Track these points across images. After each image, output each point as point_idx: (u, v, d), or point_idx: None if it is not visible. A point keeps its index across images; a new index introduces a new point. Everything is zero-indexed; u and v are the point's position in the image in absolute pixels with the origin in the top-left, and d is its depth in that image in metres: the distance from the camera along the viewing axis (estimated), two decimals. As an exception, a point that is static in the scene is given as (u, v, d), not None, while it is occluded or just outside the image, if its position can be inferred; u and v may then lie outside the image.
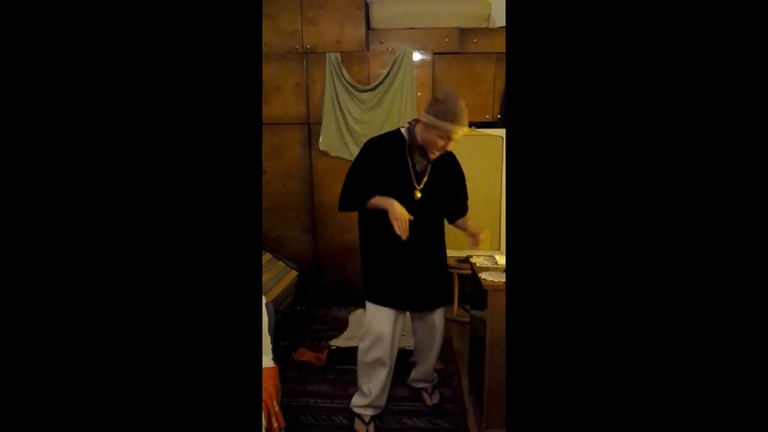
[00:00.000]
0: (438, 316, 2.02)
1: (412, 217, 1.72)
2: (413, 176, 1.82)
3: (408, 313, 2.02)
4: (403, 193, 1.79)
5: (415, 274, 1.88)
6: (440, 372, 2.43)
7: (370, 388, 1.97)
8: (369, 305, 1.93)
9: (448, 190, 1.91)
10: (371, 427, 2.00)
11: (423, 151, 1.79)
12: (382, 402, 2.02)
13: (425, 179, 1.84)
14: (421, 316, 2.02)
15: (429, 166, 1.85)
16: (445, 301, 2.04)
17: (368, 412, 2.01)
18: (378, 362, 1.93)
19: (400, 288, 1.88)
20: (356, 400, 2.03)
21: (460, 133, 1.70)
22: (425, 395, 2.22)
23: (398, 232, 1.70)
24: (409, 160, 1.82)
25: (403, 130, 1.87)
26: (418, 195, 1.82)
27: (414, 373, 2.24)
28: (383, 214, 1.73)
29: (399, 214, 1.69)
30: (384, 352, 1.91)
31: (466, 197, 2.01)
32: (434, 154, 1.78)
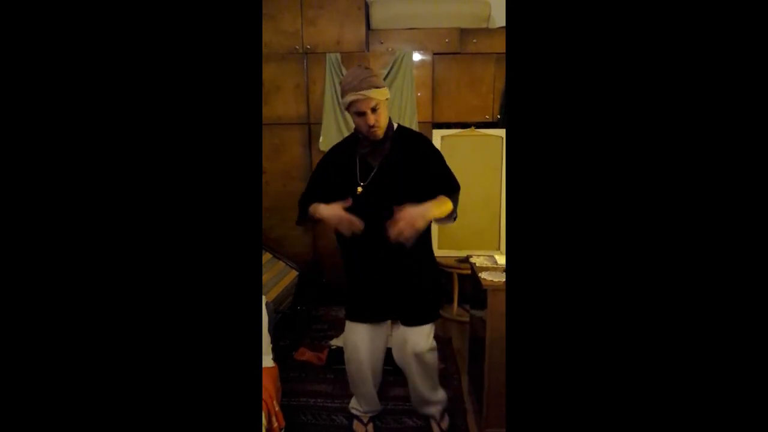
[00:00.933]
0: (412, 335, 1.72)
1: (360, 225, 1.54)
2: (358, 173, 1.69)
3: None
4: (347, 192, 1.66)
5: (381, 278, 1.72)
6: (440, 372, 2.42)
7: (362, 395, 1.97)
8: (346, 323, 1.86)
9: (408, 177, 1.67)
10: (370, 427, 2.00)
11: (369, 142, 1.66)
12: (376, 406, 2.02)
13: (373, 173, 1.67)
14: (396, 330, 1.79)
15: (384, 159, 1.68)
16: (424, 320, 1.74)
17: (366, 414, 2.03)
18: (358, 374, 1.88)
19: (367, 298, 1.76)
20: (353, 403, 2.05)
21: (367, 100, 1.53)
22: (433, 424, 1.98)
23: (346, 232, 1.55)
24: (357, 157, 1.70)
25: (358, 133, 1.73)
26: (359, 190, 1.66)
27: (415, 404, 1.99)
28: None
29: (339, 220, 1.55)
30: (359, 365, 1.83)
31: (445, 177, 1.70)
32: (374, 135, 1.61)
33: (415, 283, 1.73)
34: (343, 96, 1.59)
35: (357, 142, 1.72)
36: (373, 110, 1.56)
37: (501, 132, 3.09)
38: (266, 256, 3.02)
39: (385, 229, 1.47)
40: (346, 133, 3.12)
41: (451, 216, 1.66)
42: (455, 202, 1.66)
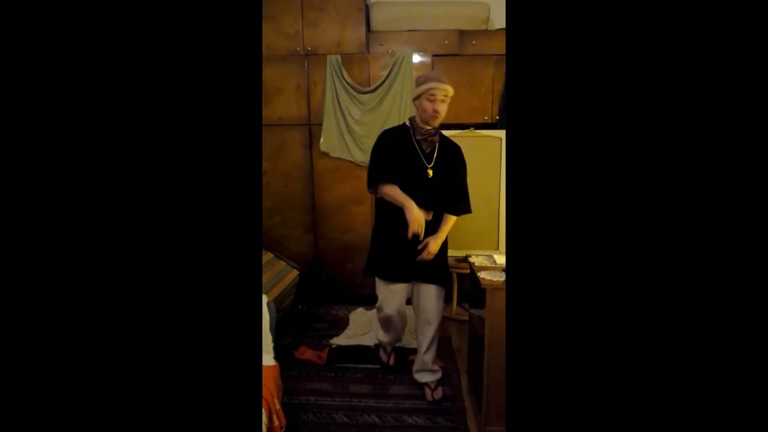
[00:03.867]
0: (430, 294, 2.11)
1: (429, 217, 2.00)
2: (423, 158, 2.02)
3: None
4: (417, 173, 2.01)
5: (409, 249, 2.03)
6: (439, 369, 2.46)
7: (387, 334, 2.36)
8: (377, 281, 2.18)
9: (452, 174, 2.07)
10: (392, 356, 2.44)
11: (425, 134, 2.01)
12: (398, 340, 2.45)
13: (434, 161, 2.03)
14: (419, 290, 2.15)
15: (436, 151, 2.05)
16: (440, 282, 2.12)
17: (389, 345, 2.43)
18: (386, 320, 2.25)
19: (402, 259, 2.06)
20: (379, 335, 2.42)
21: (442, 89, 1.91)
22: (427, 390, 2.25)
23: (415, 230, 1.93)
24: (416, 144, 2.03)
25: (407, 122, 2.10)
26: (430, 173, 2.01)
27: (415, 363, 2.30)
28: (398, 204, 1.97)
29: (416, 217, 1.93)
30: (389, 319, 2.23)
31: (464, 191, 2.13)
32: (435, 120, 1.97)
33: (438, 255, 2.09)
34: (421, 84, 1.94)
35: (409, 132, 2.05)
36: (443, 100, 1.93)
37: (500, 133, 3.10)
38: (267, 256, 3.04)
39: (437, 209, 2.05)
40: (346, 135, 3.14)
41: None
42: (464, 212, 2.12)
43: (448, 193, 2.07)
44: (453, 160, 2.08)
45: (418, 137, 2.02)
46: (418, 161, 2.02)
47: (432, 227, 2.05)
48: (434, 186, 2.02)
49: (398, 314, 2.20)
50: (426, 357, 2.21)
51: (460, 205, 2.10)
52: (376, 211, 2.17)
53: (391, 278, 2.11)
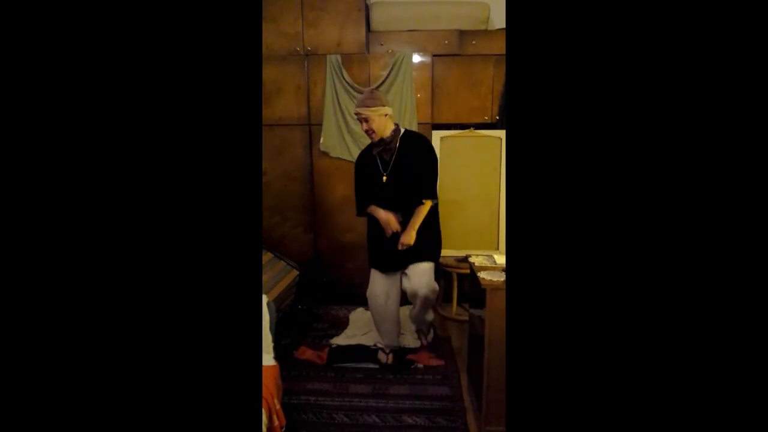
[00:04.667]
0: (416, 272, 2.44)
1: (399, 217, 2.35)
2: (380, 167, 2.41)
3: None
4: (375, 182, 2.41)
5: (389, 242, 2.38)
6: (439, 369, 2.48)
7: (384, 332, 2.58)
8: (371, 271, 2.56)
9: (413, 169, 2.37)
10: (390, 356, 2.56)
11: (379, 146, 2.38)
12: (395, 342, 2.61)
13: (390, 167, 2.39)
14: (405, 275, 2.50)
15: (393, 157, 2.38)
16: (424, 259, 2.44)
17: (387, 347, 2.58)
18: (377, 315, 2.56)
19: (381, 254, 2.48)
20: (376, 338, 2.66)
21: (362, 114, 2.29)
22: (421, 336, 2.71)
23: (391, 230, 2.35)
24: (376, 157, 2.42)
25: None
26: (384, 179, 2.40)
27: (410, 318, 2.69)
28: (367, 204, 2.42)
29: (385, 220, 2.36)
30: (378, 307, 2.54)
31: (429, 179, 2.40)
32: (371, 137, 2.36)
33: (417, 243, 2.37)
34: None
35: (372, 145, 2.43)
36: (366, 119, 2.30)
37: (500, 133, 3.10)
38: (267, 256, 3.04)
39: (404, 207, 2.37)
40: (346, 134, 3.15)
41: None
42: (432, 198, 2.41)
43: (410, 189, 2.36)
44: (414, 155, 2.38)
45: (376, 151, 2.41)
46: (376, 171, 2.42)
47: (406, 223, 2.36)
48: (390, 189, 2.38)
49: (382, 294, 2.51)
50: (416, 313, 2.57)
51: (422, 193, 2.37)
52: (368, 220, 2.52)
53: (385, 269, 2.51)
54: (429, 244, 2.45)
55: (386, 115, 2.32)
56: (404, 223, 2.37)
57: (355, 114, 2.34)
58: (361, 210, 2.50)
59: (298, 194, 3.31)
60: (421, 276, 2.42)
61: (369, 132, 2.34)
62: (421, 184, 2.37)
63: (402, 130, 2.43)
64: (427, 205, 2.38)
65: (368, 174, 2.45)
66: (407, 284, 2.47)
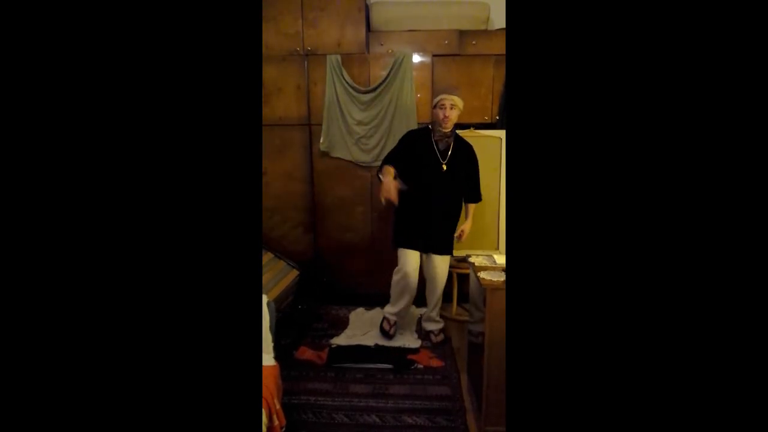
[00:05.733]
0: (437, 265, 2.68)
1: (394, 194, 2.48)
2: (438, 155, 2.58)
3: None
4: (432, 167, 2.57)
5: (433, 226, 2.61)
6: (439, 369, 2.48)
7: (398, 306, 2.77)
8: (399, 249, 2.71)
9: (465, 170, 2.63)
10: (394, 328, 2.82)
11: (441, 135, 2.57)
12: (404, 313, 2.84)
13: (448, 158, 2.58)
14: (430, 260, 2.70)
15: (450, 150, 2.58)
16: (448, 252, 2.70)
17: (393, 318, 2.81)
18: (404, 290, 2.72)
19: (420, 235, 2.63)
20: (387, 308, 2.83)
21: (449, 99, 2.47)
22: (432, 336, 2.81)
23: (385, 197, 2.48)
24: (434, 143, 2.59)
25: (429, 126, 2.67)
26: (444, 168, 2.57)
27: (423, 315, 2.89)
28: (416, 183, 2.57)
29: (386, 187, 2.48)
30: (408, 283, 2.69)
31: (477, 184, 2.70)
32: (445, 123, 2.50)
33: (447, 232, 2.68)
34: (435, 96, 2.58)
35: (430, 132, 2.62)
36: (450, 107, 2.49)
37: (500, 133, 3.10)
38: (267, 256, 3.04)
39: (450, 197, 2.63)
40: (347, 134, 3.15)
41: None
42: (474, 200, 2.74)
43: (462, 184, 2.63)
44: (466, 156, 2.63)
45: (435, 138, 2.58)
46: (434, 157, 2.57)
47: (451, 213, 2.63)
48: (448, 177, 2.57)
49: (414, 272, 2.69)
50: (432, 313, 2.81)
51: (472, 194, 2.69)
52: (399, 198, 2.62)
53: (411, 247, 2.68)
54: (450, 238, 2.70)
55: (460, 109, 2.55)
56: (444, 222, 2.63)
57: (440, 100, 2.49)
58: (386, 162, 2.62)
59: (298, 194, 3.31)
60: (441, 272, 2.71)
61: (445, 119, 2.49)
62: (474, 185, 2.68)
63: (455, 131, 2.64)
64: (473, 206, 2.71)
65: (422, 153, 2.58)
66: (430, 269, 2.70)
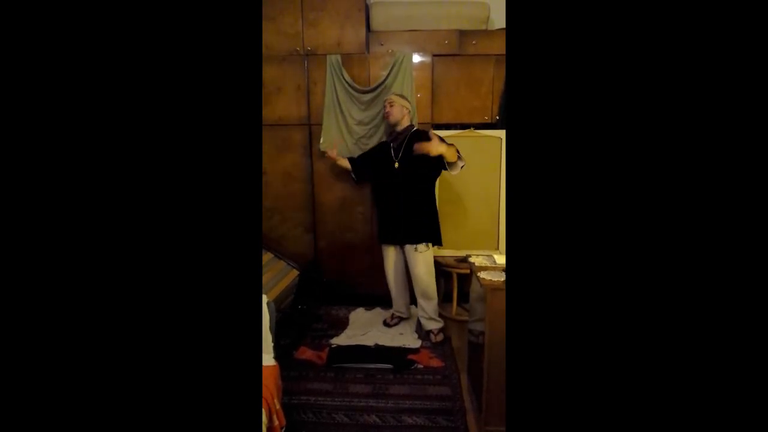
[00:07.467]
0: (416, 263, 2.75)
1: (335, 152, 2.97)
2: (392, 154, 2.77)
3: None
4: (386, 167, 2.77)
5: (397, 220, 2.75)
6: (439, 369, 2.48)
7: (395, 302, 3.01)
8: (381, 247, 2.93)
9: (420, 161, 2.59)
10: (395, 320, 3.03)
11: (394, 134, 2.77)
12: (402, 309, 3.04)
13: (400, 156, 2.74)
14: (406, 253, 2.81)
15: (402, 148, 2.72)
16: (415, 241, 2.74)
17: (396, 313, 3.03)
18: (389, 286, 2.97)
19: (388, 230, 2.83)
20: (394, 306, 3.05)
21: (389, 98, 2.74)
22: (432, 336, 2.82)
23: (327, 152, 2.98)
24: (390, 145, 2.80)
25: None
26: (396, 165, 2.74)
27: (420, 313, 2.91)
28: (379, 184, 2.91)
29: (330, 152, 2.96)
30: (388, 280, 2.95)
31: (439, 161, 2.59)
32: (391, 124, 2.77)
33: (416, 221, 2.74)
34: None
35: (390, 138, 2.86)
36: (390, 105, 2.72)
37: (500, 133, 3.10)
38: (267, 256, 3.04)
39: (409, 192, 2.74)
40: (346, 134, 3.16)
41: (459, 162, 2.55)
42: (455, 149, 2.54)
43: (419, 177, 2.70)
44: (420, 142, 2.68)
45: (390, 139, 2.82)
46: (388, 157, 2.77)
47: (410, 205, 2.72)
48: (400, 174, 2.72)
49: (388, 267, 2.90)
50: (427, 310, 2.83)
51: (437, 168, 2.66)
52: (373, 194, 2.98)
53: (385, 242, 2.87)
54: (425, 225, 2.75)
55: (406, 109, 2.72)
56: (407, 215, 2.74)
57: (385, 101, 2.78)
58: (347, 161, 2.99)
59: (299, 194, 3.31)
60: (420, 257, 2.74)
61: (387, 115, 2.74)
62: (435, 164, 2.60)
63: (414, 127, 2.78)
64: (450, 146, 2.48)
65: (378, 156, 2.84)
66: (409, 263, 2.79)
